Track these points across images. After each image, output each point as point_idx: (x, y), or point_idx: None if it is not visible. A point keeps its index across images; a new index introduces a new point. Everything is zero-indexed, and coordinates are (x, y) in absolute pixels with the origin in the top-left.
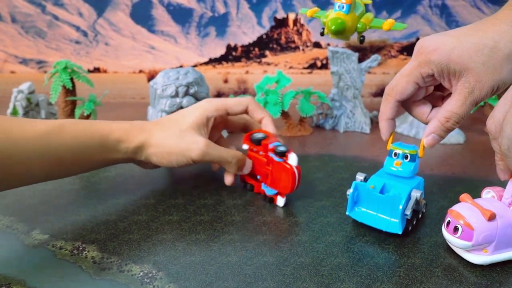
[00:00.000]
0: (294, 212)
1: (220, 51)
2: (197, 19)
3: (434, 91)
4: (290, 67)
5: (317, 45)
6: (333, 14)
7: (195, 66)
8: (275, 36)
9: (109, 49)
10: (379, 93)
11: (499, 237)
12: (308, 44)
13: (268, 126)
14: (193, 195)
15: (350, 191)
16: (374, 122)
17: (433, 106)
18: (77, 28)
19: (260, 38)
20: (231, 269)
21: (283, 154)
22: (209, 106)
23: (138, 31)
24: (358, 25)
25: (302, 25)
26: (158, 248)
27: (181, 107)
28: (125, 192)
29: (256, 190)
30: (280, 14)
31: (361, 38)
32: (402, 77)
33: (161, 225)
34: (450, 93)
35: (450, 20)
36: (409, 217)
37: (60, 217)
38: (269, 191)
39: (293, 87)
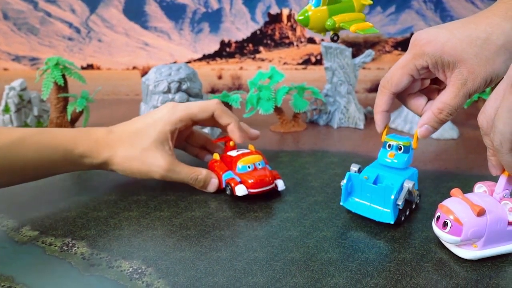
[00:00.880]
0: (285, 207)
1: (214, 47)
2: (191, 15)
3: (431, 85)
4: (285, 63)
5: (311, 40)
6: (304, 7)
7: (189, 62)
8: (269, 31)
9: (102, 45)
10: (374, 88)
11: (488, 233)
12: (302, 39)
13: (234, 132)
14: (184, 191)
15: (343, 182)
16: (369, 118)
17: (429, 99)
18: (70, 25)
19: (254, 34)
20: (221, 264)
21: None
22: (172, 118)
23: (131, 27)
24: (328, 22)
25: (296, 21)
26: (148, 244)
27: None
28: (116, 188)
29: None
30: (274, 10)
31: (333, 36)
32: (397, 70)
33: (152, 221)
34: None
35: (445, 14)
36: (401, 207)
37: (51, 214)
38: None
39: (288, 83)
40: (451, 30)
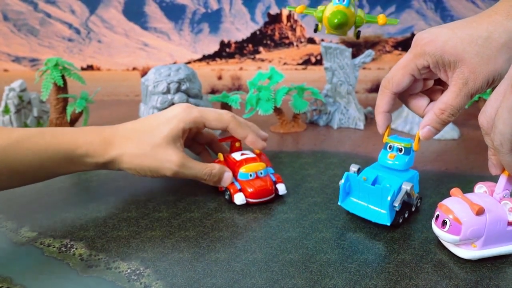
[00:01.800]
0: (285, 208)
1: (214, 47)
2: (190, 16)
3: (434, 85)
4: (284, 63)
5: (311, 41)
6: (332, 8)
7: (188, 63)
8: (269, 32)
9: (102, 46)
10: (374, 89)
11: (487, 232)
12: (302, 40)
13: (255, 144)
14: (183, 192)
15: (341, 182)
16: (369, 118)
17: (433, 100)
18: (70, 26)
19: (253, 34)
20: (219, 265)
21: None
22: (187, 117)
23: (131, 28)
24: (356, 19)
25: (296, 21)
26: (147, 245)
27: (173, 104)
28: (115, 189)
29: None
30: (274, 10)
31: (358, 32)
32: (398, 70)
33: (151, 222)
34: None
35: (445, 14)
36: (397, 209)
37: (50, 215)
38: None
39: (287, 83)
40: (453, 29)
